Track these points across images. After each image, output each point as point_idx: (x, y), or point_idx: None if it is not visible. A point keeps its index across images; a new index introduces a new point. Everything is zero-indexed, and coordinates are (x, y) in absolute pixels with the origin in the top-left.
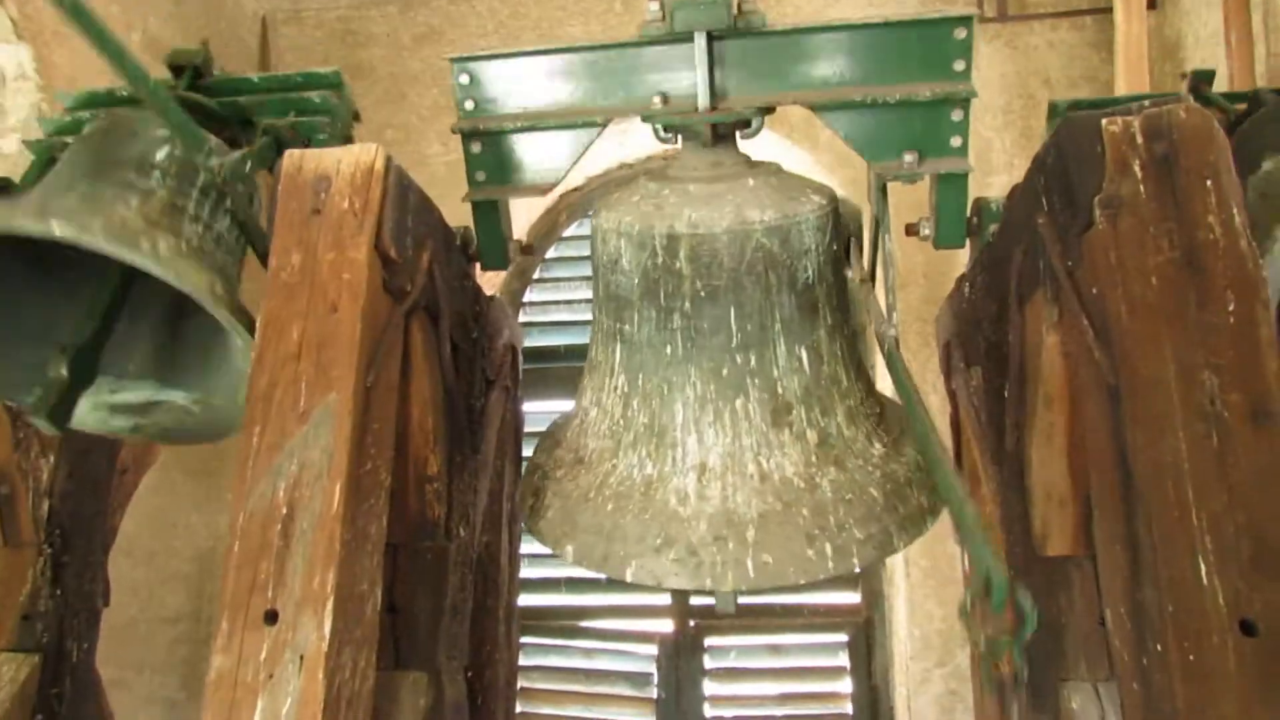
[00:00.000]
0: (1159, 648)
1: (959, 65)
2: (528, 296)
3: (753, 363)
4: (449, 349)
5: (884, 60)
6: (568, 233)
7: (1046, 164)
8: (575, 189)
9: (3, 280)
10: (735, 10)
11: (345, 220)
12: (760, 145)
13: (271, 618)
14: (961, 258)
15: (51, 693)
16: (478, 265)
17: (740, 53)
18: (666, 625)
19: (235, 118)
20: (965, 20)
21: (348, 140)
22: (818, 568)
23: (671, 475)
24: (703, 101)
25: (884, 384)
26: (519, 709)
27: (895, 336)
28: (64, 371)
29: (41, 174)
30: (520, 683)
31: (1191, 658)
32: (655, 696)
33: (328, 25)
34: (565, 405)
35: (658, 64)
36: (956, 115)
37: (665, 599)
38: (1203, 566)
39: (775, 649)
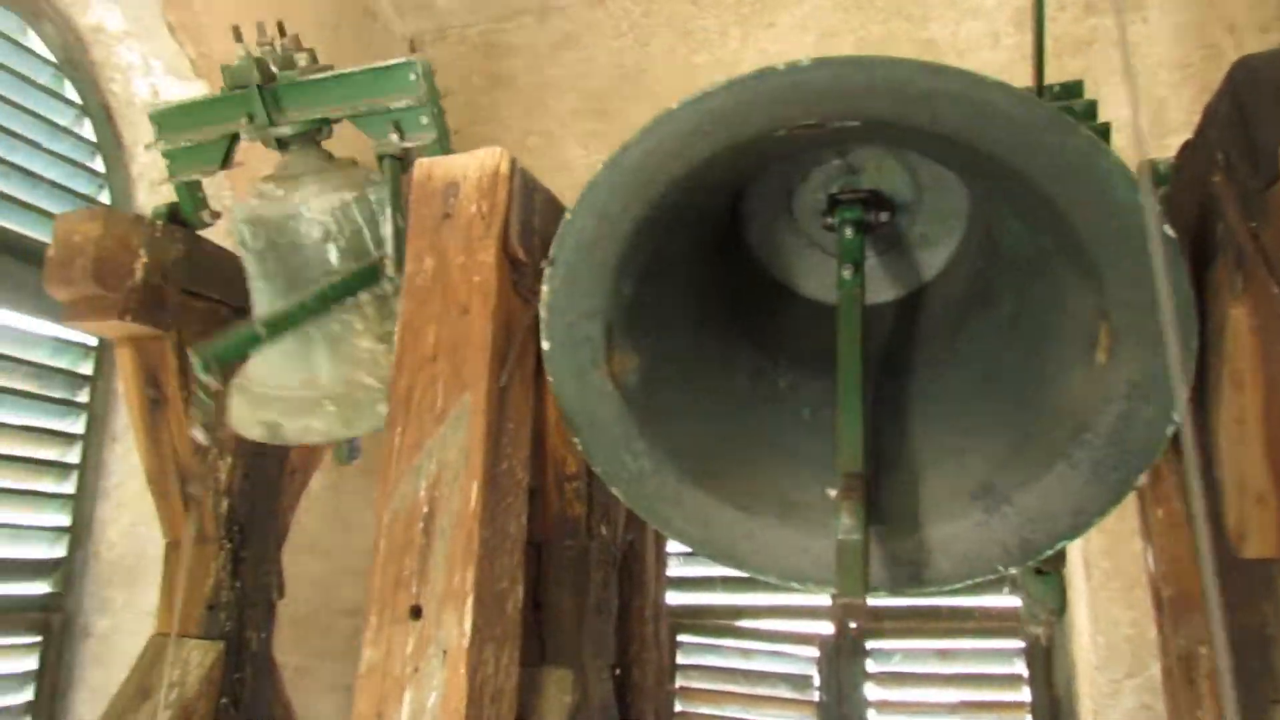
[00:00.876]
0: None
1: None
2: None
3: None
4: None
5: None
6: None
7: (1220, 115)
8: None
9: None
10: None
11: (474, 224)
12: None
13: (416, 613)
14: None
15: (234, 678)
16: None
17: None
18: (826, 627)
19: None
20: None
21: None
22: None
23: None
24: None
25: None
26: (677, 708)
27: None
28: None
29: None
30: (678, 681)
31: None
32: (816, 700)
33: (470, 41)
34: None
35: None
36: None
37: (824, 600)
38: None
39: (944, 654)
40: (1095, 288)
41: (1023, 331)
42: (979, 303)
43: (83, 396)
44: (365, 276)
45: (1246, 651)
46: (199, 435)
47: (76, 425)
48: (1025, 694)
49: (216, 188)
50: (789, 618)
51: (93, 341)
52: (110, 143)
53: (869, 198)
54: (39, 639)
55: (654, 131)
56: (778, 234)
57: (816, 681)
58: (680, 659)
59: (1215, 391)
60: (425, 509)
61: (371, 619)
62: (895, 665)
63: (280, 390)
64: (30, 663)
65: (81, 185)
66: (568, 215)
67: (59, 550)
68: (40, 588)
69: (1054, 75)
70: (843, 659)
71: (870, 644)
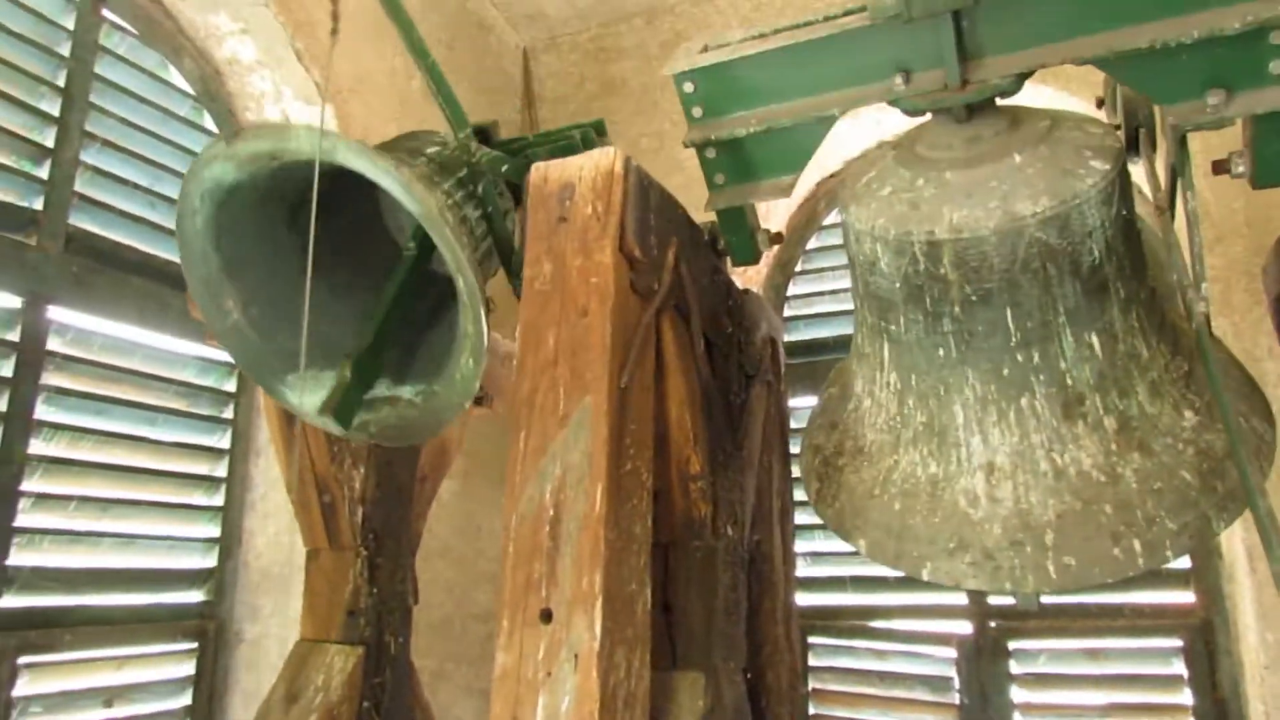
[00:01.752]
0: None
1: None
2: (791, 289)
3: (1036, 359)
4: (703, 345)
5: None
6: (828, 221)
7: None
8: (832, 175)
9: (282, 273)
10: None
11: (589, 225)
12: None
13: (547, 616)
14: None
15: (375, 682)
16: (730, 262)
17: (991, 13)
18: (963, 626)
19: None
20: None
21: None
22: (1125, 566)
23: (958, 475)
24: (952, 78)
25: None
26: (812, 711)
27: (1206, 313)
28: (347, 373)
29: None
30: (812, 684)
31: None
32: (957, 702)
33: (581, 47)
34: None
35: (895, 38)
36: (1277, 38)
37: (960, 598)
38: None
39: (1093, 654)
40: None
41: None
42: None
43: (228, 413)
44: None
45: None
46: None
47: (223, 440)
48: (1186, 696)
49: None
50: (923, 617)
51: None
52: None
53: None
54: (195, 645)
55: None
56: None
57: (956, 684)
58: (812, 661)
59: None
60: (551, 512)
61: (504, 623)
62: (1040, 666)
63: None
64: (188, 668)
65: None
66: None
67: (211, 560)
68: (195, 596)
69: None
70: (983, 660)
71: (1012, 644)
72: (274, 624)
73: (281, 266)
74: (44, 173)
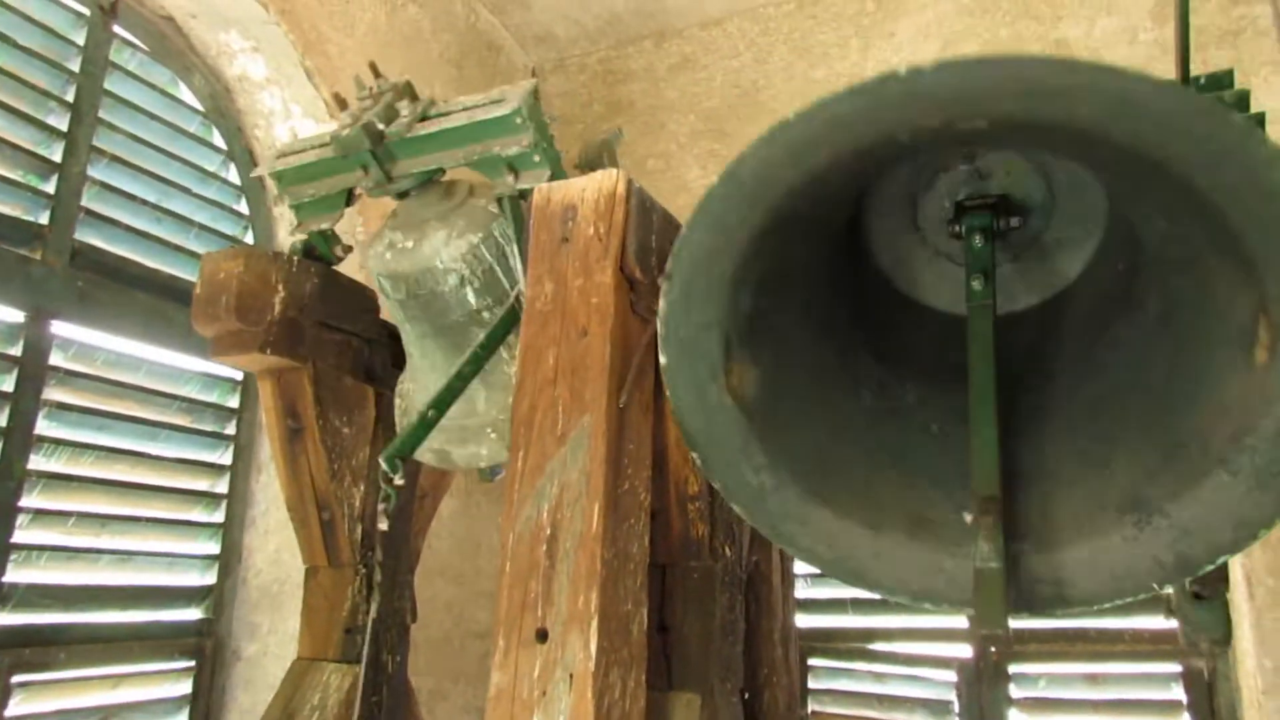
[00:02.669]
0: None
1: None
2: None
3: None
4: None
5: None
6: None
7: None
8: None
9: None
10: None
11: (591, 246)
12: None
13: (542, 636)
14: None
15: (372, 701)
16: None
17: None
18: (964, 650)
19: None
20: None
21: None
22: None
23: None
24: None
25: None
26: None
27: None
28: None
29: None
30: (811, 706)
31: None
32: None
33: (590, 68)
34: None
35: None
36: None
37: (961, 622)
38: None
39: (1093, 679)
40: (1253, 282)
41: (1171, 333)
42: (1121, 306)
43: (230, 429)
44: (508, 320)
45: None
46: (384, 524)
47: (225, 457)
48: None
49: (349, 220)
50: (923, 640)
51: (238, 376)
52: (254, 185)
53: (998, 203)
54: (192, 663)
55: (771, 141)
56: (902, 244)
57: (955, 708)
58: (812, 683)
59: None
60: (548, 531)
61: (499, 642)
62: (1040, 690)
63: (446, 420)
64: (185, 687)
65: (228, 227)
66: (684, 229)
67: (210, 578)
68: (193, 614)
69: (1199, 69)
70: (983, 683)
71: (1013, 668)
72: (272, 642)
73: None
74: (50, 187)
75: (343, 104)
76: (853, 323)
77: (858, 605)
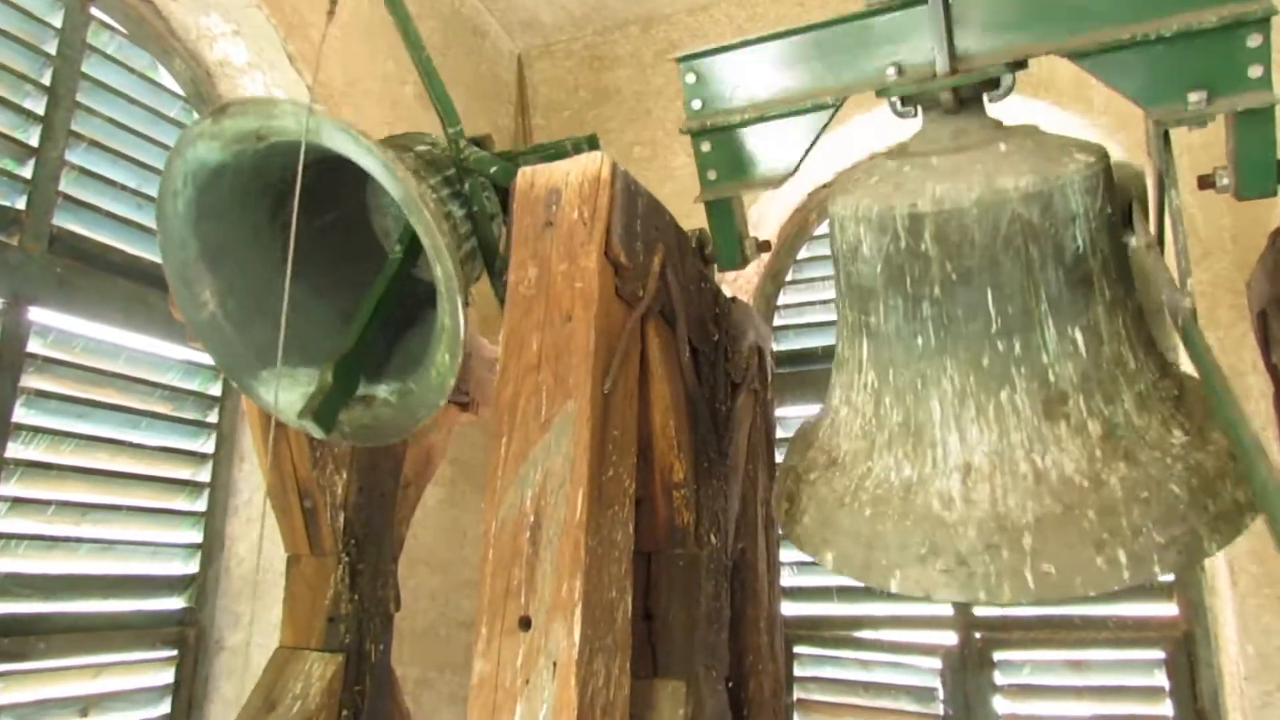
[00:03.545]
0: None
1: None
2: (781, 299)
3: (1017, 349)
4: (688, 352)
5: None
6: (819, 230)
7: None
8: (825, 185)
9: (262, 265)
10: None
11: (575, 230)
12: (1023, 114)
13: (525, 624)
14: (1276, 213)
15: (355, 689)
16: (717, 268)
17: (981, 4)
18: (949, 637)
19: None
20: None
21: None
22: (1110, 578)
23: (933, 477)
24: (941, 66)
25: (1186, 365)
26: None
27: (1191, 307)
28: (329, 377)
29: None
30: (796, 694)
31: None
32: (942, 713)
33: (576, 55)
34: None
35: (889, 33)
36: (1254, 40)
37: (946, 609)
38: None
39: (1077, 665)
40: None
41: None
42: None
43: (213, 417)
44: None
45: None
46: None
47: (207, 445)
48: (1167, 708)
49: None
50: (909, 628)
51: None
52: None
53: None
54: (174, 653)
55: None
56: None
57: (940, 695)
58: (797, 670)
59: None
60: (531, 518)
61: (482, 630)
62: (1024, 677)
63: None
64: (167, 676)
65: None
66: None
67: (192, 566)
68: (176, 603)
69: None
70: (968, 671)
71: (997, 655)
72: (255, 631)
73: (262, 258)
74: (28, 172)
75: None
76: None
77: (843, 593)
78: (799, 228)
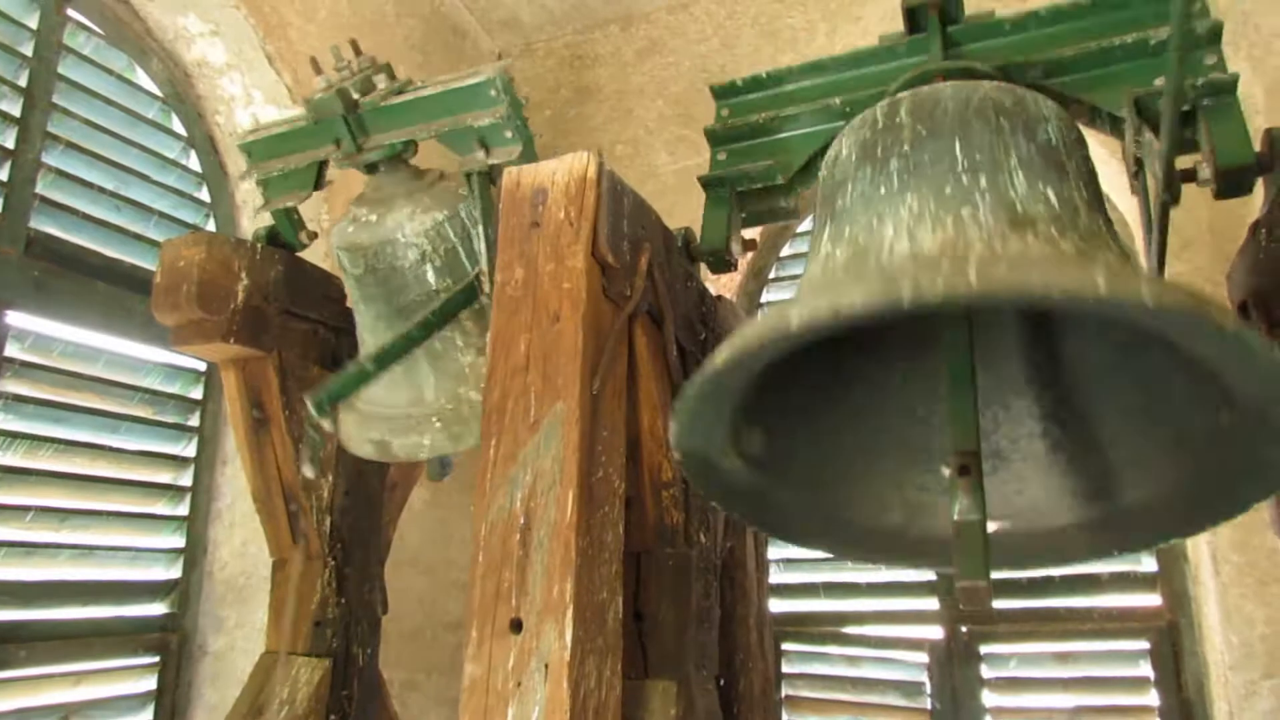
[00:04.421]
0: None
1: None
2: (765, 296)
3: (983, 183)
4: (676, 352)
5: (1115, 25)
6: (803, 227)
7: None
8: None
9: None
10: None
11: (562, 230)
12: None
13: (517, 626)
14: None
15: (342, 694)
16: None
17: (974, 45)
18: (935, 631)
19: None
20: None
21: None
22: (1080, 282)
23: (879, 250)
24: (934, 68)
25: None
26: (785, 717)
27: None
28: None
29: None
30: (785, 691)
31: None
32: (930, 708)
33: (556, 53)
34: None
35: (899, 55)
36: (1210, 59)
37: (933, 604)
38: None
39: (1062, 657)
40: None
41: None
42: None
43: (194, 420)
44: (464, 296)
45: None
46: (309, 470)
47: (189, 449)
48: (1153, 697)
49: (314, 207)
50: (896, 623)
51: (202, 366)
52: (215, 172)
53: None
54: (157, 659)
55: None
56: None
57: (928, 688)
58: (785, 668)
59: None
60: (522, 520)
61: (473, 633)
62: (1011, 670)
63: (388, 409)
64: (149, 683)
65: (188, 215)
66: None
67: (174, 572)
68: (158, 609)
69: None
70: (955, 664)
71: (984, 648)
72: (239, 636)
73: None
74: (4, 175)
75: (318, 70)
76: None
77: (830, 590)
78: (783, 225)
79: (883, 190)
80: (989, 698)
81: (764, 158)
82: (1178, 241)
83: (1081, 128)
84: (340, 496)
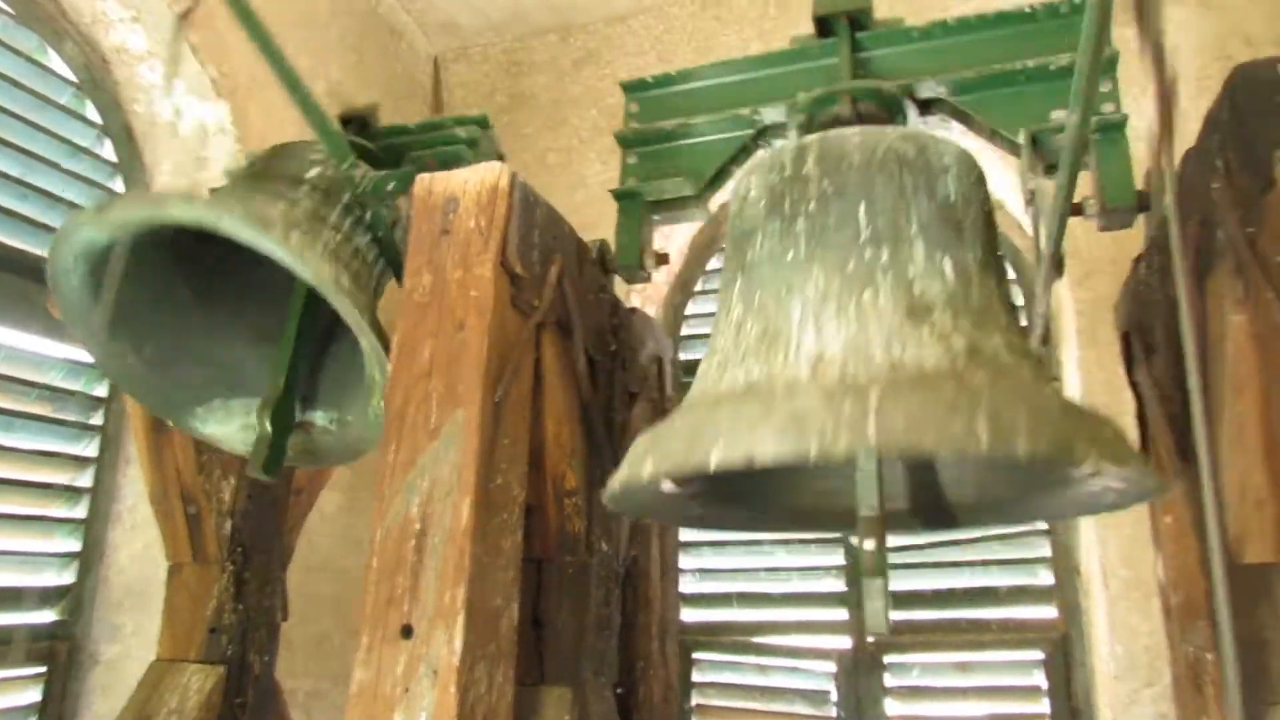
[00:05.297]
0: None
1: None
2: (690, 308)
3: (884, 258)
4: (584, 362)
5: (1020, 47)
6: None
7: (1220, 121)
8: None
9: (173, 308)
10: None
11: (472, 239)
12: None
13: (407, 632)
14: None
15: (236, 702)
16: (625, 279)
17: (882, 53)
18: (844, 641)
19: (394, 159)
20: None
21: None
22: (962, 438)
23: (783, 369)
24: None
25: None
26: None
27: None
28: (267, 427)
29: None
30: (694, 699)
31: None
32: (835, 715)
33: (493, 59)
34: None
35: (808, 74)
36: (1105, 86)
37: (842, 614)
38: None
39: (963, 667)
40: None
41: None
42: None
43: (97, 419)
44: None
45: (1244, 656)
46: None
47: (90, 449)
48: (1045, 706)
49: None
50: (806, 633)
51: None
52: (132, 163)
53: None
54: (44, 669)
55: None
56: None
57: (834, 697)
58: (696, 676)
59: (1217, 399)
60: (417, 526)
61: (364, 639)
62: (914, 679)
63: None
64: (34, 694)
65: None
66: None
67: (68, 577)
68: (47, 616)
69: None
70: (861, 674)
71: (889, 658)
72: (135, 644)
73: (173, 300)
74: None
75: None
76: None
77: (743, 599)
78: (709, 238)
79: (790, 255)
80: (892, 706)
81: (674, 163)
82: (1080, 270)
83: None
84: (242, 500)
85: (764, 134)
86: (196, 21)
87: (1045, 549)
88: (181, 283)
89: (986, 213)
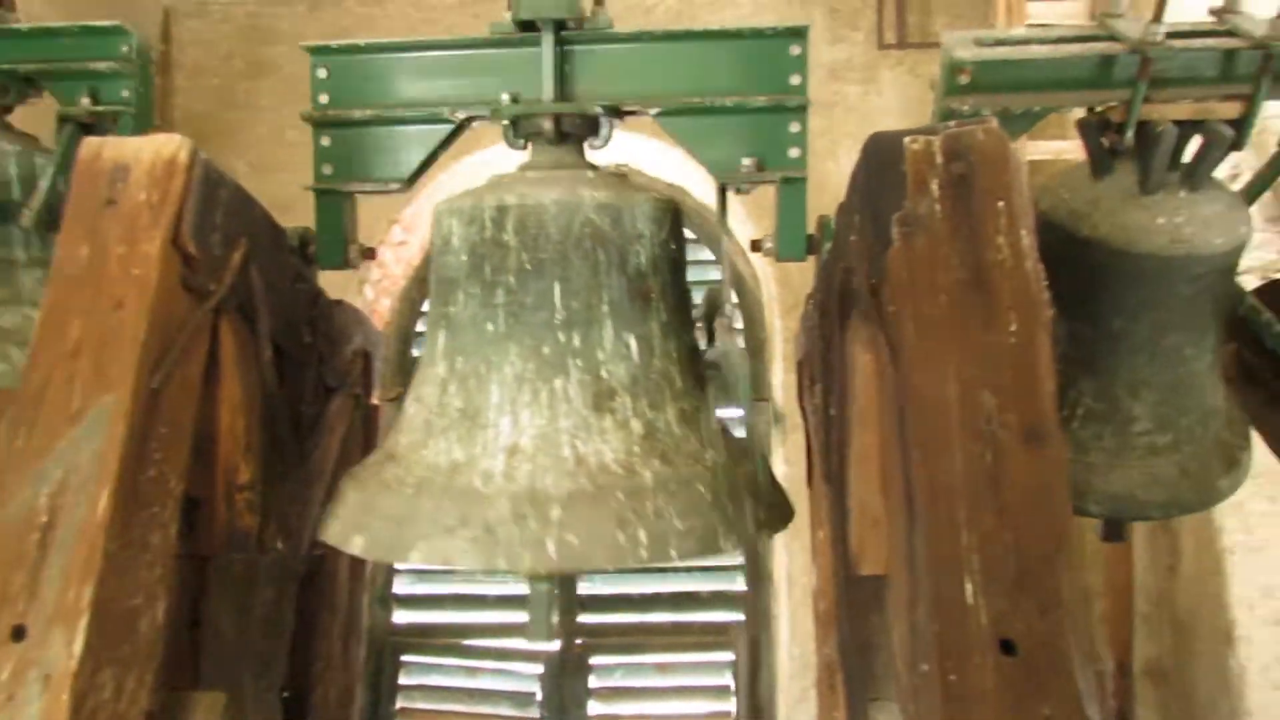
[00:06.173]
0: (925, 667)
1: (794, 79)
2: (426, 305)
3: (576, 343)
4: (270, 353)
5: (722, 69)
6: None
7: (858, 182)
8: None
9: None
10: (583, 10)
11: (140, 213)
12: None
13: (18, 633)
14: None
15: None
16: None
17: (587, 55)
18: (553, 644)
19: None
20: (799, 35)
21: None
22: (629, 554)
23: (480, 458)
24: (548, 94)
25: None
26: None
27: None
28: None
29: None
30: (400, 702)
31: (953, 678)
32: (539, 716)
33: (234, 20)
34: None
35: (511, 64)
36: (794, 127)
37: (552, 616)
38: (969, 586)
39: (664, 668)
40: None
41: None
42: None
43: None
44: None
45: (859, 658)
46: None
47: None
48: (732, 704)
49: None
50: (516, 636)
51: None
52: None
53: None
54: None
55: None
56: None
57: (539, 698)
58: (404, 679)
59: (848, 430)
60: (44, 519)
61: None
62: (617, 680)
63: None
64: None
65: None
66: None
67: None
68: None
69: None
70: (566, 675)
71: (594, 660)
72: None
73: None
74: None
75: None
76: None
77: (458, 601)
78: None
79: (490, 328)
80: (595, 707)
81: (374, 153)
82: (791, 299)
83: None
84: None
85: (466, 124)
86: None
87: (741, 556)
88: None
89: (676, 260)
